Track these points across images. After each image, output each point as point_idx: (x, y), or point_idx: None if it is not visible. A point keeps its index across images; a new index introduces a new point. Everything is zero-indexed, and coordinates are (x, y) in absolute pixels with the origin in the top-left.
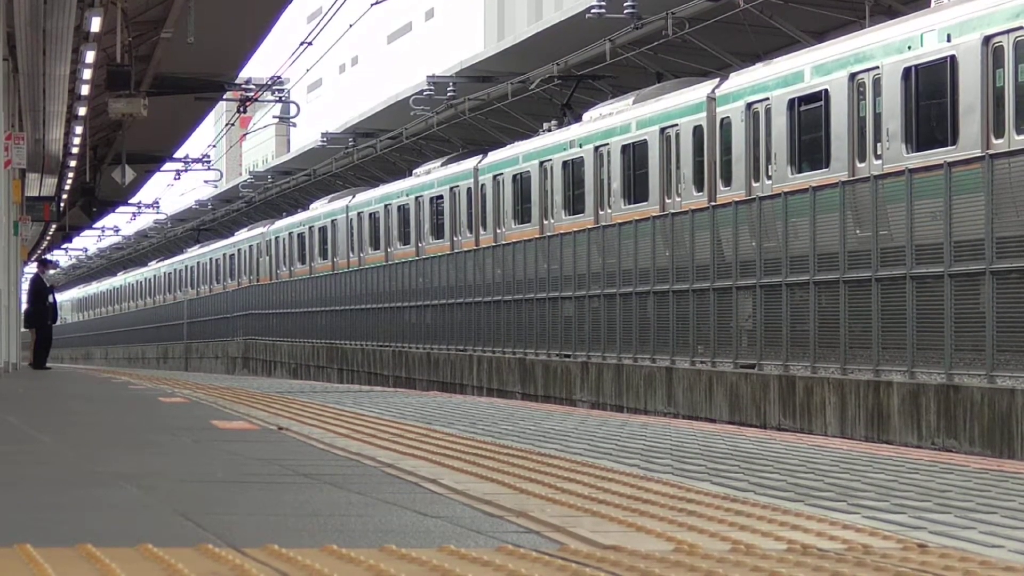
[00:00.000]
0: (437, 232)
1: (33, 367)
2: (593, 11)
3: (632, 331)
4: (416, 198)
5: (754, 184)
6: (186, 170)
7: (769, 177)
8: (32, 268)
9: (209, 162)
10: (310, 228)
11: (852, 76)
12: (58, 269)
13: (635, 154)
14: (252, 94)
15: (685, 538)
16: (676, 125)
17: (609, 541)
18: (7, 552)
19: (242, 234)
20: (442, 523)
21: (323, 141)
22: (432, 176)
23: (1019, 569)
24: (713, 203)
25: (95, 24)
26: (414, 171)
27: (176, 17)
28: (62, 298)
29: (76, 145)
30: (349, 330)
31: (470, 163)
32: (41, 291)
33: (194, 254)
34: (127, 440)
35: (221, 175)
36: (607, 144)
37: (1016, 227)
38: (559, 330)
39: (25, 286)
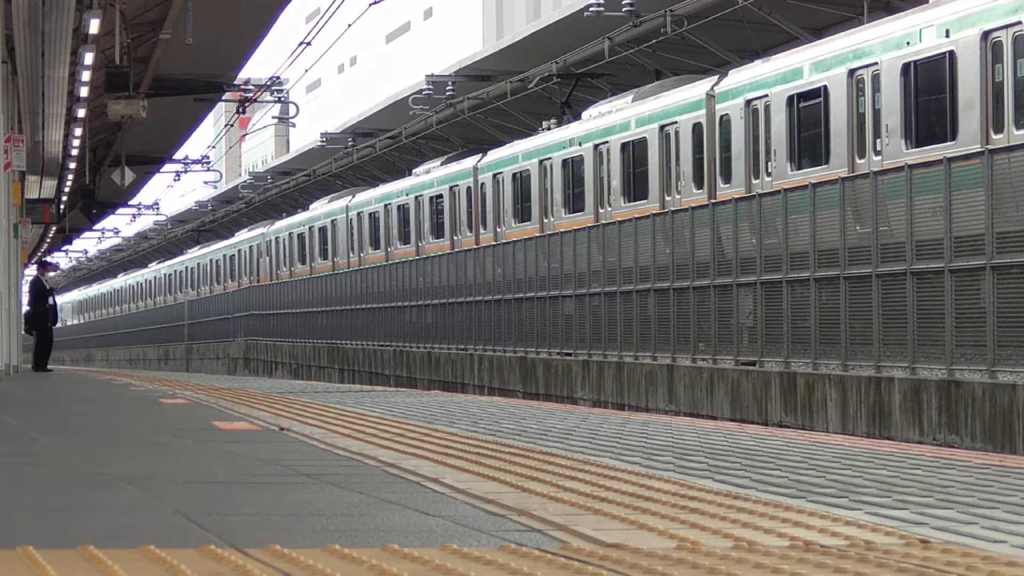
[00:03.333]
0: (437, 231)
1: (34, 369)
2: (591, 9)
3: (633, 329)
4: (416, 197)
5: (754, 181)
6: (186, 171)
7: (769, 174)
8: (32, 270)
9: (209, 163)
10: (310, 228)
11: (851, 72)
12: (58, 271)
13: (635, 152)
14: (251, 95)
15: (687, 535)
16: (675, 122)
17: (611, 539)
18: (9, 555)
19: (242, 235)
20: (444, 522)
21: (322, 141)
22: (432, 175)
23: (1022, 564)
24: (713, 200)
25: (94, 26)
26: (414, 170)
27: (175, 18)
28: (62, 300)
29: (75, 147)
30: (350, 330)
31: (469, 162)
32: (41, 293)
33: (194, 255)
34: (129, 442)
35: (221, 176)
36: (606, 142)
37: (1016, 222)
38: (560, 328)
39: (25, 288)
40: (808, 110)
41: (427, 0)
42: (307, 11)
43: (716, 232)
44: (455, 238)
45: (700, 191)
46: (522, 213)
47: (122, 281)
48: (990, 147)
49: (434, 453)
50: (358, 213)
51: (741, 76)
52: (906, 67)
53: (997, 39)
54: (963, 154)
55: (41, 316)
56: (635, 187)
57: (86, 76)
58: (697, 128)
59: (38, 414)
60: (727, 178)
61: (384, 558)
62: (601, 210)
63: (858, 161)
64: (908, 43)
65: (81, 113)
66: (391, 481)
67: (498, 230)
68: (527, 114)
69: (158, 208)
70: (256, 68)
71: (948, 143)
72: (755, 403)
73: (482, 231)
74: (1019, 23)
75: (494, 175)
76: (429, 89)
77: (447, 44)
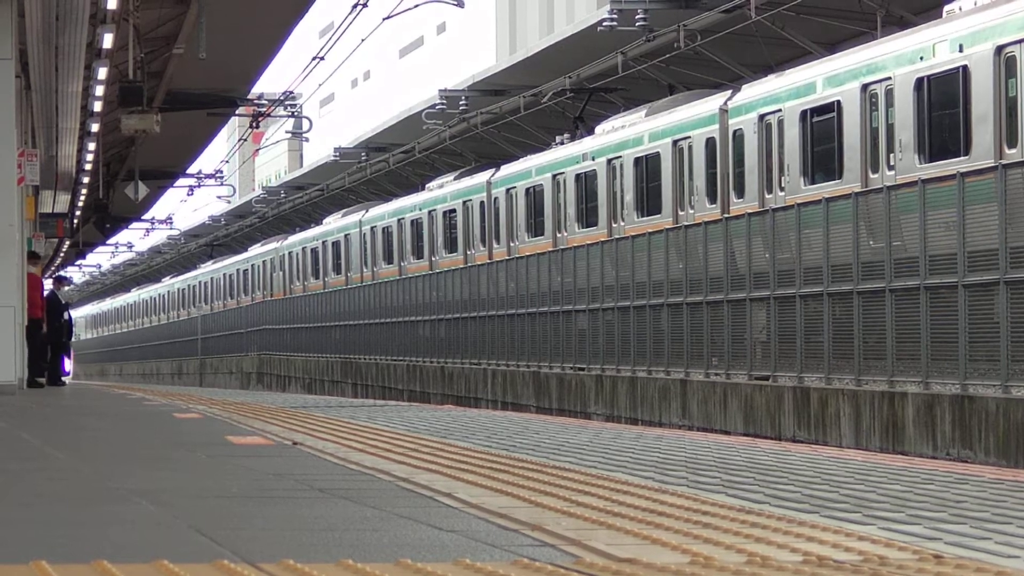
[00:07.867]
0: (450, 246)
1: (47, 384)
2: (605, 24)
3: (646, 344)
4: (429, 212)
5: (767, 196)
6: (199, 186)
7: (782, 188)
8: (47, 285)
9: (222, 178)
10: (323, 243)
11: (864, 87)
12: (72, 286)
13: (648, 166)
14: (264, 109)
15: (701, 550)
16: (688, 137)
17: (625, 554)
18: (23, 569)
19: (255, 249)
20: (457, 537)
21: (336, 156)
22: (445, 190)
23: None
24: (726, 215)
25: (107, 41)
26: (427, 185)
27: (188, 33)
28: (76, 315)
29: (89, 161)
30: (363, 344)
31: (483, 177)
32: (56, 308)
33: (208, 270)
34: (142, 456)
35: (234, 190)
36: (620, 157)
37: None
38: (573, 343)
39: None
40: (821, 125)
41: (440, 15)
42: (320, 26)
43: (729, 247)
44: (468, 253)
45: (713, 206)
46: (535, 228)
47: (135, 295)
48: (1004, 162)
49: (447, 468)
50: (371, 228)
51: (754, 91)
52: (919, 82)
53: (1011, 54)
54: (976, 169)
55: (56, 330)
56: (648, 202)
57: (100, 91)
58: (710, 143)
59: (51, 428)
60: (740, 193)
61: (397, 573)
62: (614, 225)
63: (871, 176)
64: (921, 58)
65: (95, 128)
66: (404, 496)
67: (511, 245)
68: (540, 129)
69: (172, 222)
70: (269, 83)
71: (961, 158)
72: (768, 418)
73: (495, 246)
74: None
75: (507, 190)
76: (442, 104)
77: (460, 59)
